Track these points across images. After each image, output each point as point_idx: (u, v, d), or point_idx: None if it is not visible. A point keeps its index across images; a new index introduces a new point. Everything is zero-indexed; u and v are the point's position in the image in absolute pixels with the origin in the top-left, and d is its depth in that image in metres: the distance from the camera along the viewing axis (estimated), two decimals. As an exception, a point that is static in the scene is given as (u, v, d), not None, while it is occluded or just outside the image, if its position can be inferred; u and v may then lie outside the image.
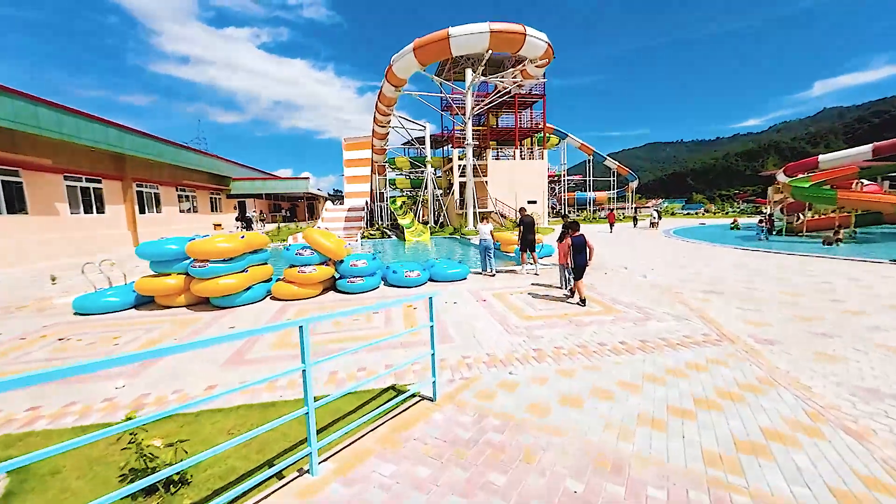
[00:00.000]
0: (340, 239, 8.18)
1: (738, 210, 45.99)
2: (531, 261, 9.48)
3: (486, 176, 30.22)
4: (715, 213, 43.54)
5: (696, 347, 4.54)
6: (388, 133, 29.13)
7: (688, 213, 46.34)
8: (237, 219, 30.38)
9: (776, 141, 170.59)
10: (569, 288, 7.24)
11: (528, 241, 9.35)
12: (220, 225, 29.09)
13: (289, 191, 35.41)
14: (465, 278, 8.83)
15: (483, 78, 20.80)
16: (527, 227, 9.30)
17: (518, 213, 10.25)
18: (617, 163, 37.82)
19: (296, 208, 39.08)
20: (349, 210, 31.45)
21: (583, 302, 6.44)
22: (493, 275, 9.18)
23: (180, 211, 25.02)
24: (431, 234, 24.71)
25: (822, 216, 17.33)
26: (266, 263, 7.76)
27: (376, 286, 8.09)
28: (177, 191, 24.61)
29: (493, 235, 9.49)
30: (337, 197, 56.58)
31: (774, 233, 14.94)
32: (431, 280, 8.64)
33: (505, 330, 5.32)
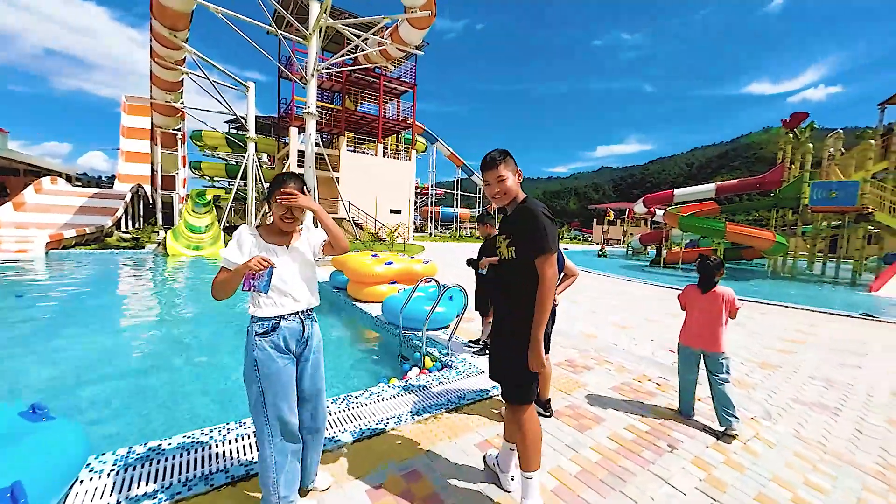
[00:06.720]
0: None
1: (580, 237, 53.25)
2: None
3: (337, 171, 22.88)
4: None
5: None
6: (180, 82, 18.50)
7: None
8: None
9: (574, 186, 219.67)
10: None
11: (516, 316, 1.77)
12: None
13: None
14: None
15: (330, 21, 14.03)
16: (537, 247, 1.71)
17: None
18: (483, 180, 36.56)
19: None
20: (94, 196, 18.70)
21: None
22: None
23: None
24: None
25: (679, 249, 17.40)
26: None
27: None
28: None
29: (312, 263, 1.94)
30: (103, 180, 37.81)
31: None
32: None
33: None
